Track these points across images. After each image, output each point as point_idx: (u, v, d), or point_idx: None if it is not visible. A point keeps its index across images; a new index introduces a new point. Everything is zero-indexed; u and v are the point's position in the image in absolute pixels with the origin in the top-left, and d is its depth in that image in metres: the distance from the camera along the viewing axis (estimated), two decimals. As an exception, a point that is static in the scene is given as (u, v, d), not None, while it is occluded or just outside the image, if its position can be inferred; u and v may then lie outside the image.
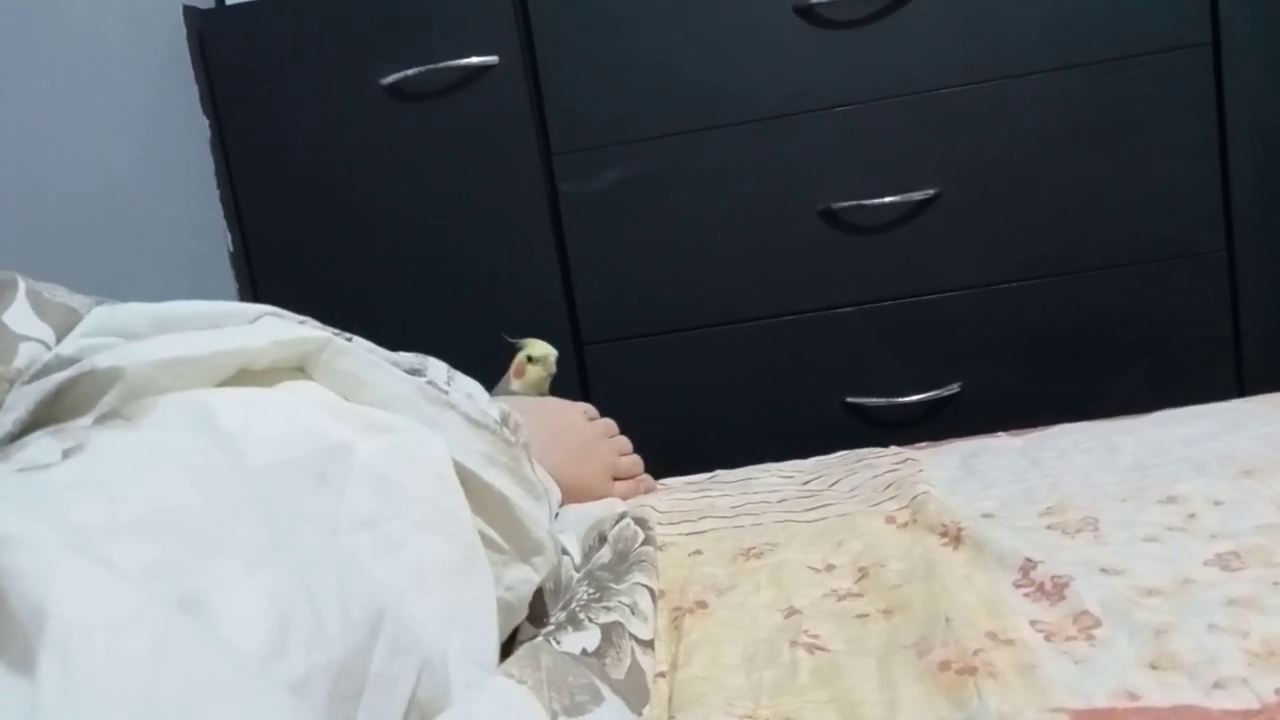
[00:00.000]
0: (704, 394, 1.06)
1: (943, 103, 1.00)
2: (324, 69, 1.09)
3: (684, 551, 0.58)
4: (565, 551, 0.52)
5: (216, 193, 1.12)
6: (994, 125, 1.00)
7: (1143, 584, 0.45)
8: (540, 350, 0.78)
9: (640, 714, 0.41)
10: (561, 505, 0.62)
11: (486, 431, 0.45)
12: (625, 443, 0.74)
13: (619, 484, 0.72)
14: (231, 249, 1.14)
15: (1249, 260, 0.98)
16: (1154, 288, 1.00)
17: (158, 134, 1.04)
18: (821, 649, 0.44)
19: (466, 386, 0.51)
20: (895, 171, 1.02)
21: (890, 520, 0.57)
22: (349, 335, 0.45)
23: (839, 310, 1.04)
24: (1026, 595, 0.46)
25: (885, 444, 0.75)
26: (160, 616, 0.26)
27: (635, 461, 0.74)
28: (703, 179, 1.05)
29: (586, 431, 0.70)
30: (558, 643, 0.41)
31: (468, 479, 0.43)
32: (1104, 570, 0.47)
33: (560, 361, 0.78)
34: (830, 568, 0.53)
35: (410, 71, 1.06)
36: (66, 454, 0.33)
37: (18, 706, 0.24)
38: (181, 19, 1.10)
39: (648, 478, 0.75)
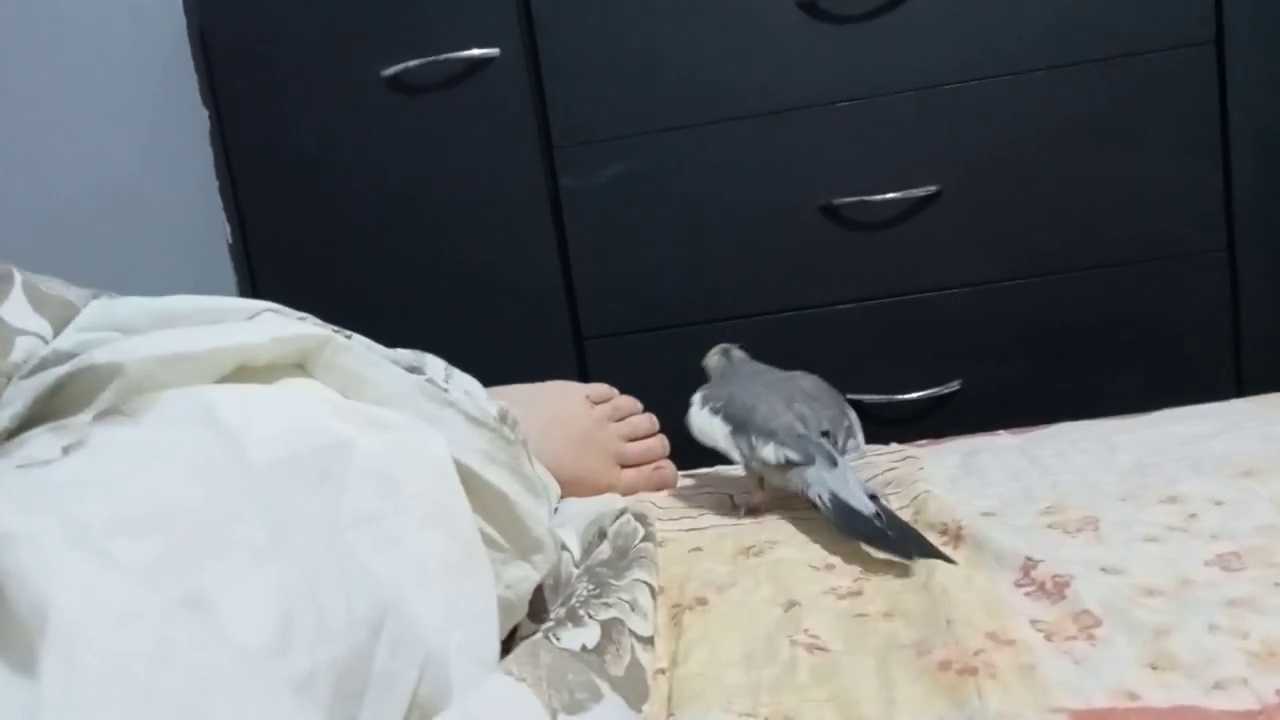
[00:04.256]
0: (703, 389, 1.06)
1: (945, 99, 1.00)
2: (324, 61, 1.08)
3: (684, 548, 0.57)
4: (565, 547, 0.52)
5: (216, 184, 1.12)
6: (996, 122, 1.00)
7: (1143, 584, 0.45)
8: None
9: (640, 711, 0.41)
10: (561, 498, 0.62)
11: (486, 429, 0.45)
12: (638, 426, 0.69)
13: (627, 472, 0.68)
14: (230, 241, 1.13)
15: (1250, 260, 0.98)
16: (1155, 286, 1.00)
17: (157, 125, 1.04)
18: (821, 648, 0.44)
19: (465, 383, 0.51)
20: (897, 168, 1.01)
21: (890, 518, 0.57)
22: (348, 333, 0.45)
23: (839, 306, 1.04)
24: (1027, 594, 0.46)
25: (885, 441, 0.75)
26: (163, 613, 0.26)
27: (647, 448, 0.69)
28: (704, 174, 1.04)
29: (585, 419, 0.67)
30: (557, 639, 0.41)
31: (468, 477, 0.43)
32: (1104, 570, 0.47)
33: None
34: (830, 566, 0.53)
35: (411, 63, 1.06)
36: (67, 450, 0.33)
37: (20, 704, 0.24)
38: (181, 10, 1.09)
39: (667, 466, 0.70)
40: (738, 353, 0.68)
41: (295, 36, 1.09)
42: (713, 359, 0.68)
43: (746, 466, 0.59)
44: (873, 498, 0.53)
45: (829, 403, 0.60)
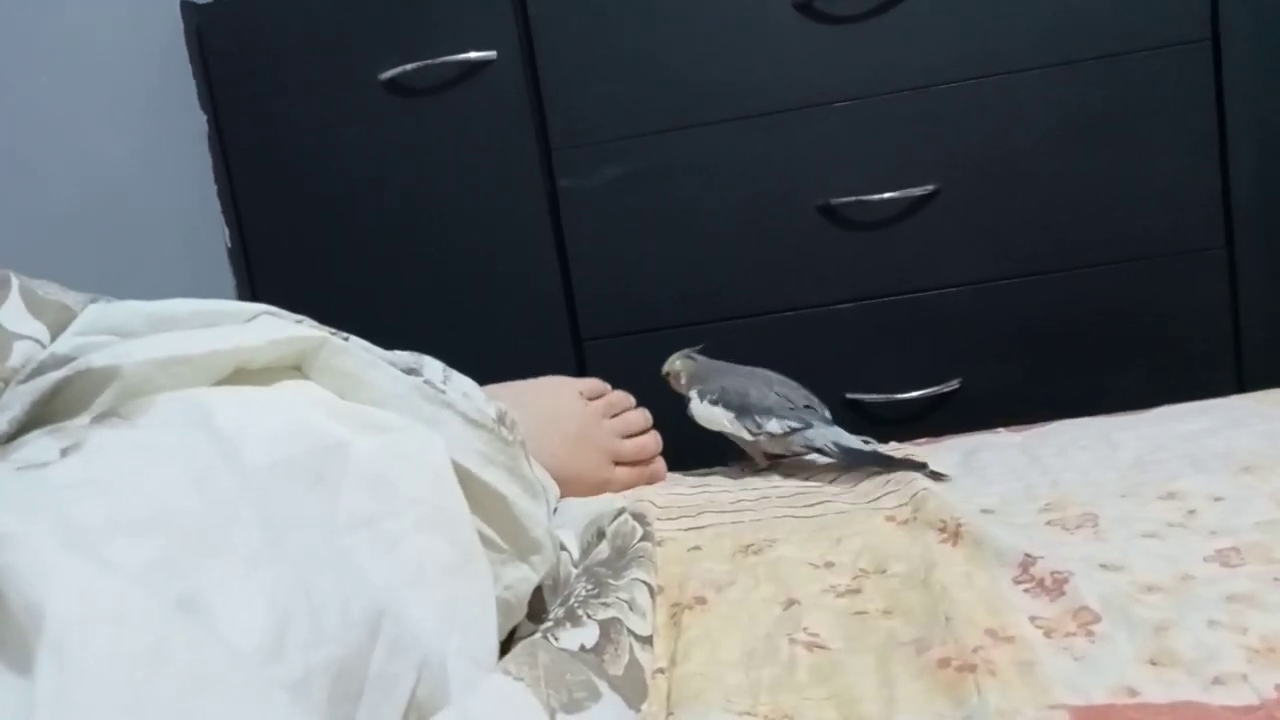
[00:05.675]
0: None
1: (942, 98, 1.00)
2: (322, 64, 1.08)
3: (683, 547, 0.57)
4: (563, 547, 0.52)
5: (214, 188, 1.12)
6: (994, 121, 1.00)
7: (1142, 580, 0.45)
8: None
9: (638, 710, 0.41)
10: (558, 496, 0.61)
11: (484, 430, 0.45)
12: (633, 422, 0.70)
13: (620, 470, 0.69)
14: (229, 245, 1.13)
15: (1249, 256, 0.98)
16: (1154, 284, 1.00)
17: (155, 129, 1.04)
18: (820, 646, 0.44)
19: (463, 385, 0.51)
20: (895, 167, 1.01)
21: (890, 518, 0.57)
22: (345, 335, 0.45)
23: (838, 306, 1.04)
24: (1026, 591, 0.46)
25: (885, 440, 0.75)
26: (158, 615, 0.26)
27: (640, 446, 0.70)
28: (702, 174, 1.04)
29: (581, 415, 0.67)
30: (556, 639, 0.41)
31: (466, 478, 0.43)
32: (1104, 566, 0.47)
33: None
34: (829, 565, 0.53)
35: (409, 67, 1.06)
36: (64, 453, 0.33)
37: (15, 705, 0.23)
38: (179, 14, 1.09)
39: (659, 464, 0.71)
40: (700, 355, 0.78)
41: (292, 40, 1.09)
42: (676, 363, 0.77)
43: (754, 439, 0.71)
44: (866, 441, 0.67)
45: (795, 387, 0.73)
